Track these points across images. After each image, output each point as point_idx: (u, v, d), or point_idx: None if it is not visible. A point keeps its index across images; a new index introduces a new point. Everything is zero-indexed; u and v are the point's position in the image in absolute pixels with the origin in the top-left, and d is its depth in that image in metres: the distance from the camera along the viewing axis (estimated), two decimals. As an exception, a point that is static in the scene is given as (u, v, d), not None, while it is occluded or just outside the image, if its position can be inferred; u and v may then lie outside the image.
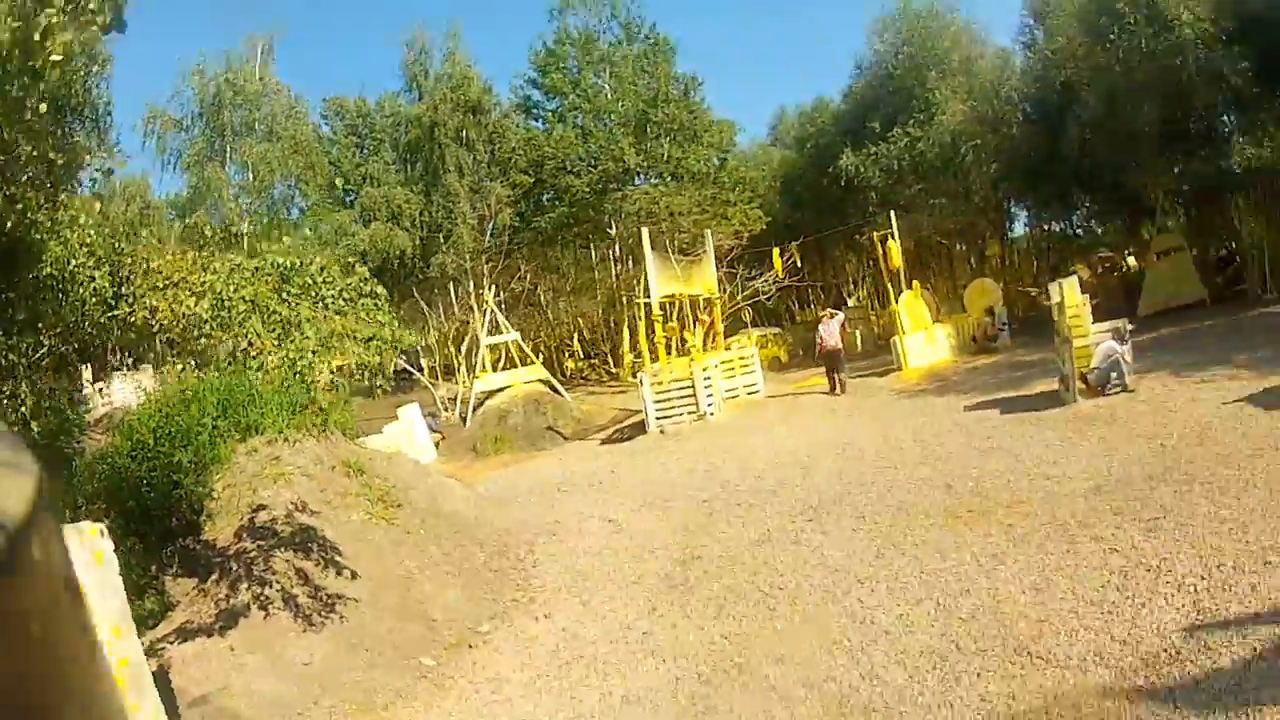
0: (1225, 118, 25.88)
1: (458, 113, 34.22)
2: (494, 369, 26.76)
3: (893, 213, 27.64)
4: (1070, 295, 16.09)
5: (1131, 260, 35.13)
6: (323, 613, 8.29)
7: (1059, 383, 15.92)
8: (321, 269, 9.25)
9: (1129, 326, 15.98)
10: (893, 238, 26.42)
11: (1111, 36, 24.05)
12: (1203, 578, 7.27)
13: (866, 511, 11.05)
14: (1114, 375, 15.09)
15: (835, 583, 8.79)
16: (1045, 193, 32.76)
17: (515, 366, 26.76)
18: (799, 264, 33.46)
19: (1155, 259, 27.36)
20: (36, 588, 0.65)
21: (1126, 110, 24.24)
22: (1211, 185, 25.38)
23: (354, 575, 8.88)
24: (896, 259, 26.24)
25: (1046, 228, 37.87)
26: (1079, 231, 38.54)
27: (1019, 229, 39.40)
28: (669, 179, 34.16)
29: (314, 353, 8.64)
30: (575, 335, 38.96)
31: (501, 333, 27.06)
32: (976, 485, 11.33)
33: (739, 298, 33.68)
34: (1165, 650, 6.26)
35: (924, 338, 25.27)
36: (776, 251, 30.95)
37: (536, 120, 37.12)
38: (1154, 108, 23.86)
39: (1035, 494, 10.47)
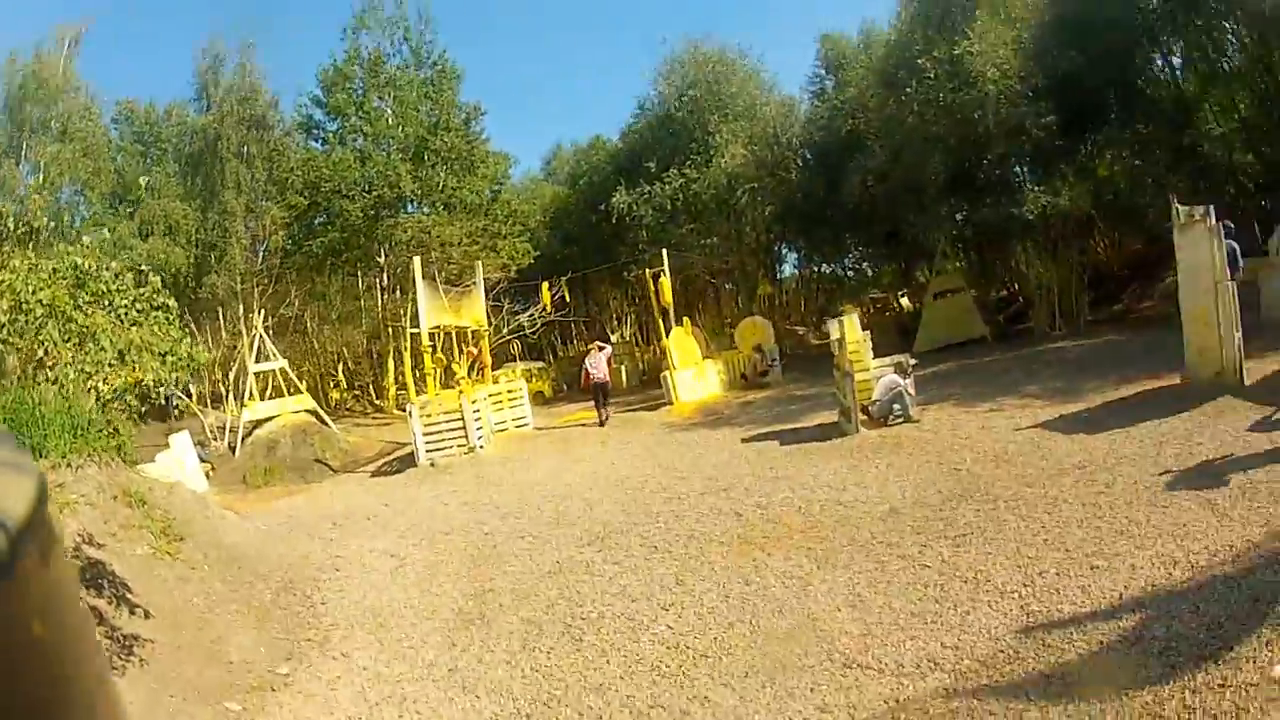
0: (1018, 168, 28.06)
1: (241, 127, 32.75)
2: (261, 397, 25.47)
3: (665, 250, 28.32)
4: (850, 331, 16.74)
5: (905, 301, 37.18)
6: (122, 655, 7.46)
7: (839, 415, 16.41)
8: (116, 275, 8.37)
9: (912, 360, 16.82)
10: (665, 274, 26.75)
11: (909, 89, 25.74)
12: (1025, 585, 7.52)
13: (658, 541, 10.86)
14: (896, 407, 15.78)
15: (639, 610, 8.57)
16: (819, 236, 34.99)
17: (282, 395, 25.58)
18: (566, 299, 33.57)
19: (933, 299, 29.19)
20: (38, 587, 0.66)
21: (914, 159, 26.00)
22: (999, 230, 27.33)
23: (147, 614, 8.00)
24: (668, 295, 26.69)
25: (817, 269, 40.25)
26: (850, 273, 41.35)
27: (788, 270, 41.43)
28: (442, 208, 33.75)
29: (110, 366, 7.74)
30: (340, 365, 37.95)
31: (269, 360, 25.79)
32: (767, 512, 11.40)
33: (505, 331, 33.52)
34: (1002, 652, 6.40)
35: (694, 373, 25.78)
36: (545, 285, 30.97)
37: (317, 141, 35.78)
38: (945, 157, 25.71)
39: (830, 518, 10.65)
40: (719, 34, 46.46)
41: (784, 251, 40.03)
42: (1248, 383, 13.44)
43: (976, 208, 26.64)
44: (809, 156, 32.51)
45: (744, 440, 17.00)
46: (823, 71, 34.86)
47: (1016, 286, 33.25)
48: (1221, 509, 8.32)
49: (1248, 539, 7.52)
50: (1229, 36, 26.49)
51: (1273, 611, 6.00)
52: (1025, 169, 27.61)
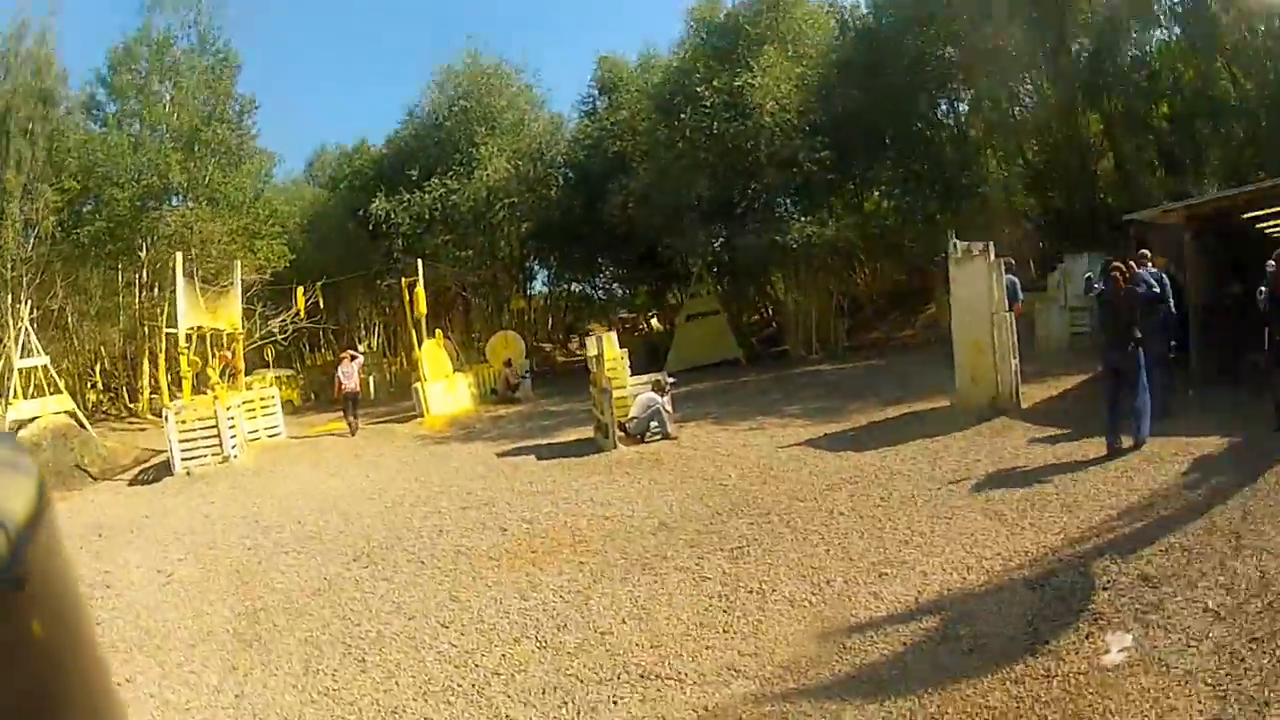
0: (786, 198, 29.27)
1: (30, 100, 30.09)
2: (23, 396, 23.30)
3: (420, 260, 27.94)
4: (609, 348, 17.11)
5: (654, 322, 37.90)
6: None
7: (596, 431, 16.66)
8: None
9: (670, 379, 17.21)
10: (419, 284, 26.31)
11: (683, 115, 26.61)
12: (814, 594, 7.63)
13: (424, 557, 10.47)
14: (654, 424, 16.03)
15: (418, 629, 8.19)
16: (573, 254, 36.06)
17: (43, 394, 23.47)
18: (320, 305, 32.58)
19: (686, 321, 30.20)
20: (39, 588, 0.67)
21: (679, 183, 26.90)
22: (759, 257, 28.43)
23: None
24: (422, 306, 26.26)
25: (567, 287, 40.72)
26: (601, 293, 41.99)
27: (539, 286, 41.61)
28: (206, 203, 32.04)
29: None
30: (98, 365, 35.57)
31: (33, 355, 23.60)
32: (532, 527, 11.23)
33: (257, 336, 32.11)
34: (804, 657, 6.45)
35: (445, 386, 25.64)
36: (300, 290, 29.99)
37: (96, 122, 33.34)
38: (711, 183, 26.82)
39: (598, 533, 10.57)
40: (500, 46, 46.56)
41: (535, 268, 40.65)
42: (1024, 407, 14.41)
43: (738, 233, 27.63)
44: (571, 175, 33.54)
45: (499, 455, 16.84)
46: (596, 92, 35.72)
47: (771, 311, 34.62)
48: (1010, 519, 8.76)
49: (1043, 545, 7.94)
50: (1027, 86, 28.89)
51: (1086, 609, 6.32)
52: (792, 199, 28.81)
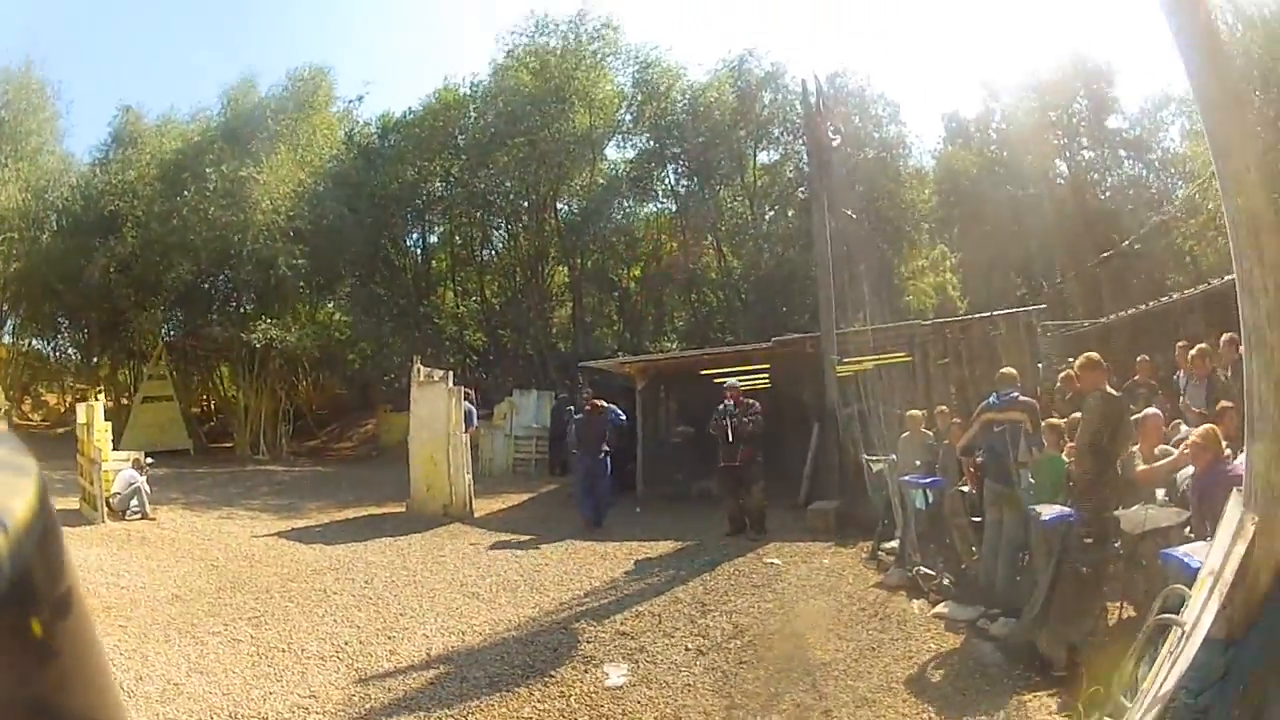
0: (255, 296, 29.63)
1: None
2: None
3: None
4: (98, 418, 17.05)
5: (101, 398, 36.10)
6: None
7: (83, 501, 16.52)
8: None
9: (148, 460, 17.64)
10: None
11: (186, 193, 26.82)
12: (338, 653, 9.01)
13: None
14: (134, 502, 16.45)
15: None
16: (43, 308, 32.85)
17: None
18: None
19: (141, 402, 29.65)
20: (39, 588, 0.71)
21: (162, 260, 26.67)
22: (217, 350, 29.21)
23: None
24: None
25: (29, 342, 36.99)
26: (59, 355, 38.64)
27: (6, 337, 37.39)
28: None
29: None
30: None
31: None
32: None
33: None
34: (355, 696, 7.83)
35: None
36: None
37: None
38: (191, 268, 26.75)
39: (122, 601, 10.90)
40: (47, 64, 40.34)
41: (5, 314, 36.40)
42: (475, 516, 16.93)
43: (204, 322, 28.34)
44: (65, 222, 30.79)
45: (-7, 519, 16.17)
46: (111, 141, 32.92)
47: (214, 406, 34.90)
48: (486, 598, 10.90)
49: (523, 616, 10.10)
50: (500, 232, 31.93)
51: (576, 655, 8.56)
52: (259, 299, 29.21)
